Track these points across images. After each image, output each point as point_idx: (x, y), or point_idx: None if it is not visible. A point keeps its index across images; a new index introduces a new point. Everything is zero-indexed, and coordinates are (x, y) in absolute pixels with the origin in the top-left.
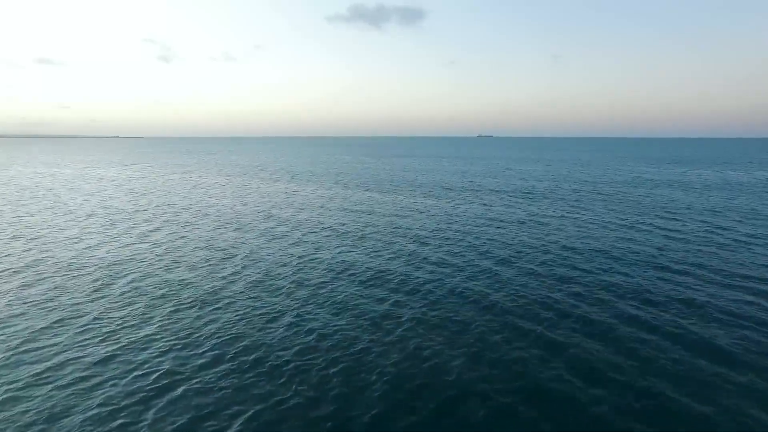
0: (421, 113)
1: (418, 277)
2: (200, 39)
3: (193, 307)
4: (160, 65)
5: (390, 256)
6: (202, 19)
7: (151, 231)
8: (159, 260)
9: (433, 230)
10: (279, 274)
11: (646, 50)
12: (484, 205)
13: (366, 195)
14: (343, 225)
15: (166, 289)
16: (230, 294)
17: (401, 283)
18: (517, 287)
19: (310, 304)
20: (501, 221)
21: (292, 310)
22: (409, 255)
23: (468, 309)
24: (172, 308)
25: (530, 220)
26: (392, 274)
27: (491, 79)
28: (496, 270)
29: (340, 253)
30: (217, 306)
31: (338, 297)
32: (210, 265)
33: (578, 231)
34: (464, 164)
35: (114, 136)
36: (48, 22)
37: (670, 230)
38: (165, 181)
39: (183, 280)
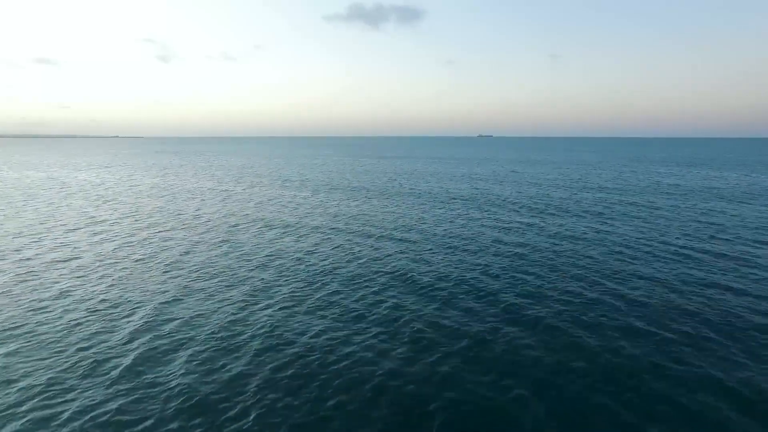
0: (421, 113)
1: (400, 372)
2: (199, 39)
3: (44, 394)
4: (159, 65)
5: (362, 312)
6: (200, 18)
7: (68, 259)
8: (39, 310)
9: (428, 264)
10: (186, 346)
11: (645, 50)
12: (496, 221)
13: (354, 207)
14: (313, 254)
15: (17, 366)
16: (100, 382)
17: (364, 380)
18: (556, 379)
19: (217, 427)
20: (520, 246)
21: (181, 427)
22: (390, 310)
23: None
24: (15, 399)
25: (558, 247)
26: (355, 357)
27: (491, 79)
28: (525, 342)
29: (291, 307)
30: (73, 403)
31: (265, 413)
32: (100, 321)
33: (624, 265)
34: (467, 167)
35: (114, 136)
36: (47, 21)
37: (744, 261)
38: (135, 186)
39: (45, 349)
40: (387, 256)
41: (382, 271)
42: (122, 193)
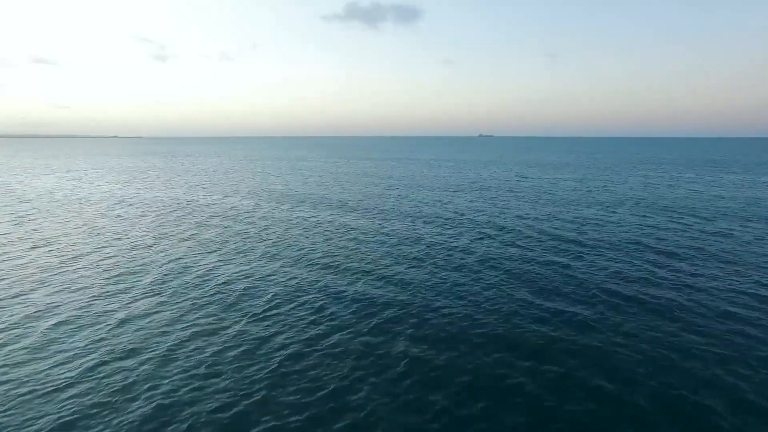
0: (420, 113)
1: None
2: (196, 39)
3: None
4: (157, 65)
5: None
6: (197, 18)
7: None
8: None
9: (418, 364)
10: None
11: (643, 49)
12: (519, 261)
13: (325, 232)
14: (222, 326)
15: None
16: None
17: None
18: None
19: None
20: (569, 322)
21: None
22: None
23: None
24: None
25: (632, 324)
26: None
27: (490, 79)
28: None
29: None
30: None
31: None
32: None
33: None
34: (471, 171)
35: (113, 136)
36: (43, 22)
37: None
38: (81, 196)
39: None
40: (353, 330)
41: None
42: (59, 203)
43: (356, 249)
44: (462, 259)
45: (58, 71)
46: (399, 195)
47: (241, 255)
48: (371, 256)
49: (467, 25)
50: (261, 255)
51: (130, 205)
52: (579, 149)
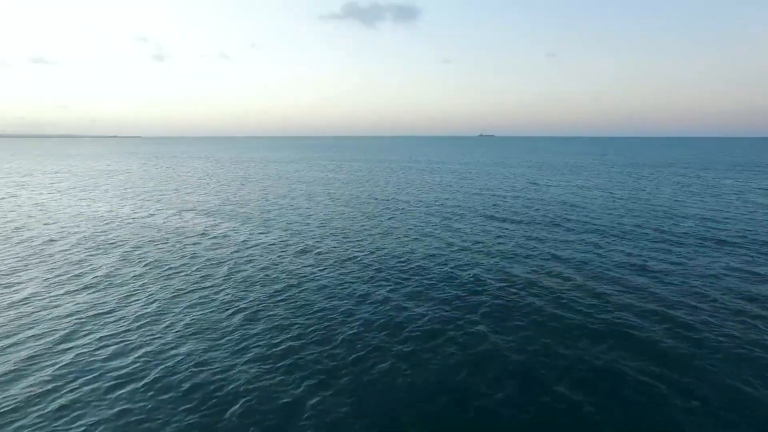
0: (420, 112)
1: None
2: (194, 38)
3: None
4: (156, 64)
5: None
6: (195, 17)
7: None
8: None
9: None
10: None
11: (645, 47)
12: (581, 354)
13: (281, 276)
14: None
15: None
16: None
17: None
18: None
19: None
20: None
21: None
22: None
23: None
24: None
25: None
26: None
27: (489, 79)
28: None
29: None
30: None
31: None
32: None
33: None
34: (475, 176)
35: (113, 136)
36: (42, 21)
37: None
38: (11, 208)
39: None
40: None
41: None
42: None
43: (304, 325)
44: (480, 348)
45: (58, 71)
46: (388, 213)
47: (146, 301)
48: (325, 345)
49: (466, 24)
50: (172, 305)
51: (53, 222)
52: (584, 150)
